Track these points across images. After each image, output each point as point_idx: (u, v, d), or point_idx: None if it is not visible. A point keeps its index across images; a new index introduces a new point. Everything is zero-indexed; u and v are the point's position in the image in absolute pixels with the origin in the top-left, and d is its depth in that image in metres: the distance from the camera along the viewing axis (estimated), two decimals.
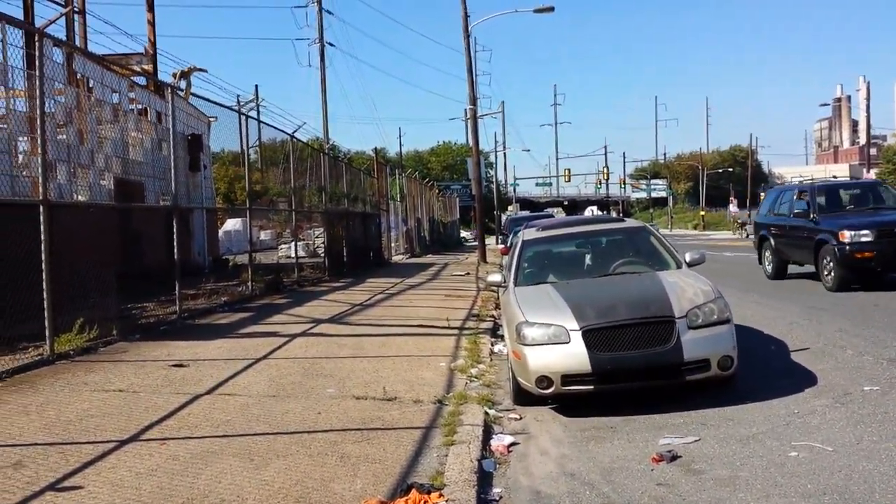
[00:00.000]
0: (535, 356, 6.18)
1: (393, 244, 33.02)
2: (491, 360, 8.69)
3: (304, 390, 6.93)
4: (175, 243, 10.77)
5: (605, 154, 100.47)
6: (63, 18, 16.03)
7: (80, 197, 13.20)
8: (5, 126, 13.22)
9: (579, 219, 11.24)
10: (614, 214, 58.77)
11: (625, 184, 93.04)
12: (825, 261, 13.39)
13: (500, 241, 38.78)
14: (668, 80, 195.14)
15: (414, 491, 4.32)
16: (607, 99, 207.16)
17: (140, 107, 19.51)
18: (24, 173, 13.24)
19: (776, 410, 5.95)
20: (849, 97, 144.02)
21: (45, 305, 7.78)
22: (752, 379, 6.87)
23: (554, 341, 6.17)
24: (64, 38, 15.85)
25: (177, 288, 10.84)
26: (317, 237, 24.75)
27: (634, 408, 6.21)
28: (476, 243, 33.25)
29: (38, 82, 8.15)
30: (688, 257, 7.51)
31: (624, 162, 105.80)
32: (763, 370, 7.42)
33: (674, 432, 5.61)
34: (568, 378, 6.07)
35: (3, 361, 7.55)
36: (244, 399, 6.57)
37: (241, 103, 14.15)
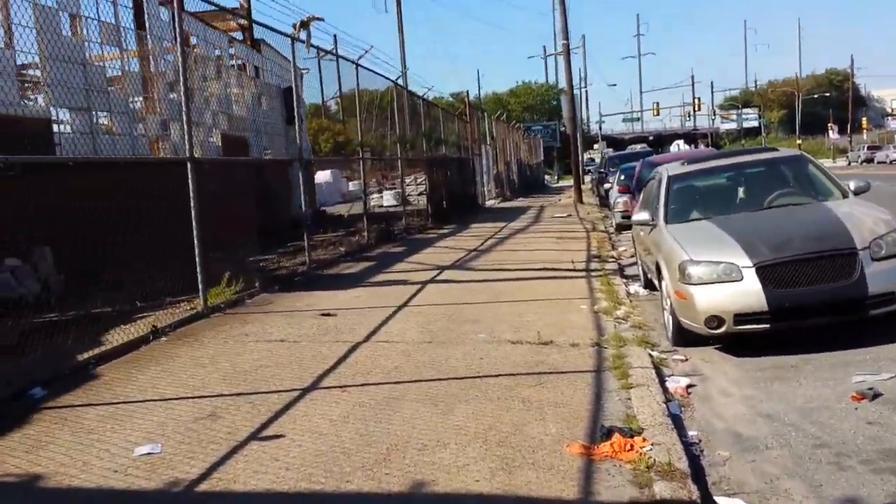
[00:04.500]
0: (703, 295, 5.95)
1: (485, 189, 32.82)
2: (630, 301, 8.50)
3: (457, 336, 6.93)
4: (303, 196, 10.90)
5: (693, 85, 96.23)
6: None
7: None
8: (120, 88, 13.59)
9: (726, 151, 10.75)
10: (702, 147, 56.41)
11: (714, 115, 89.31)
12: None
13: (590, 180, 37.92)
14: (757, 1, 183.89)
15: (617, 435, 4.24)
16: (693, 26, 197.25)
17: (239, 62, 19.73)
18: (140, 131, 13.64)
19: None
20: None
21: (198, 261, 7.97)
22: None
23: (724, 279, 5.92)
24: None
25: (305, 240, 10.99)
26: (408, 185, 24.80)
27: (808, 346, 5.92)
28: (563, 185, 32.62)
29: (178, 41, 8.24)
30: (852, 185, 7.07)
31: (712, 92, 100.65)
32: None
33: (863, 369, 5.32)
34: (741, 317, 5.82)
35: (163, 316, 7.83)
36: (402, 346, 6.62)
37: (334, 54, 13.99)
